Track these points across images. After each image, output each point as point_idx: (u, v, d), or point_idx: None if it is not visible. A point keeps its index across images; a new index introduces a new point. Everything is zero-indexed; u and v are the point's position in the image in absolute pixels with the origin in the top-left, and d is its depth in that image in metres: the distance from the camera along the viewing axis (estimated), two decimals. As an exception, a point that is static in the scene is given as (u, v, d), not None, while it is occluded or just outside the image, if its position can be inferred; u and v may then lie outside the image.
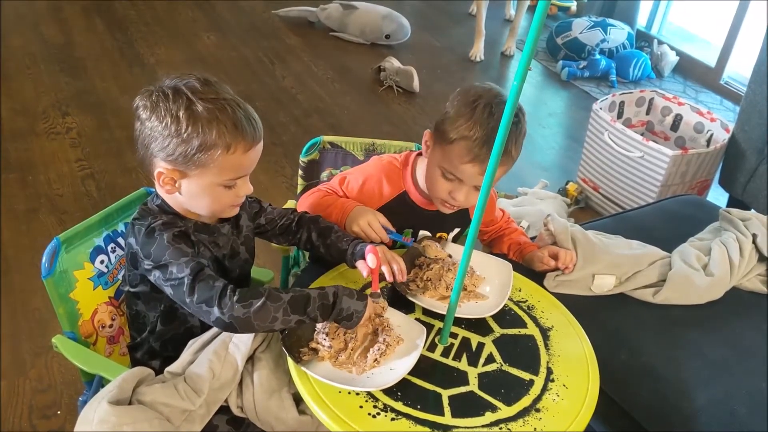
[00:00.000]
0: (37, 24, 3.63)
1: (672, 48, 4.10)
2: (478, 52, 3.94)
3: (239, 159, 1.06)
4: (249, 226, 1.26)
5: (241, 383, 1.15)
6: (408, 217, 1.37)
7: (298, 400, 1.14)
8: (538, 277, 1.44)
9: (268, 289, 1.03)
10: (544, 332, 1.20)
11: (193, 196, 1.10)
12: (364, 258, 1.17)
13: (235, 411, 1.15)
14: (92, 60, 3.36)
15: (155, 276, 1.07)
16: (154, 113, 1.04)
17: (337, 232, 1.26)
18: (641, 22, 4.36)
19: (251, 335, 1.14)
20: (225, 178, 1.07)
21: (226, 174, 1.07)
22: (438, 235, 1.42)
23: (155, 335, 1.20)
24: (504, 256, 1.47)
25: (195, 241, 1.11)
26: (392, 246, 1.32)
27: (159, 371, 1.15)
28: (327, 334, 1.08)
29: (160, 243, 1.06)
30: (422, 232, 1.40)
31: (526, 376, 1.10)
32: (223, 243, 1.18)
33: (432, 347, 1.13)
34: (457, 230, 1.44)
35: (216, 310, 1.00)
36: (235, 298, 1.00)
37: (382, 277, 1.18)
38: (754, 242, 1.61)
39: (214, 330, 1.17)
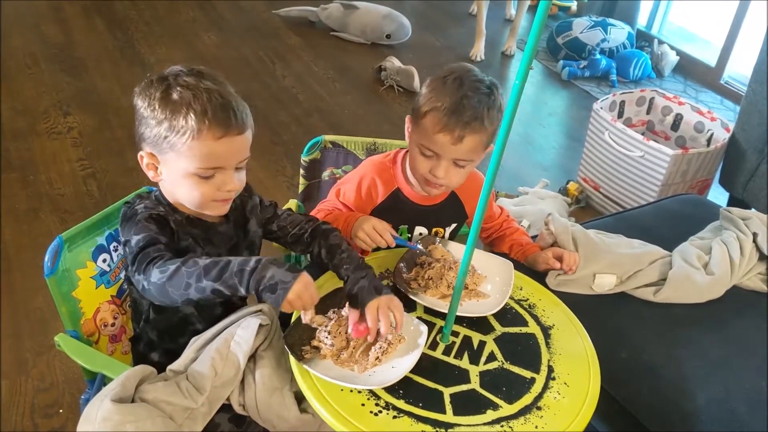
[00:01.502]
0: (38, 24, 3.63)
1: (672, 48, 4.10)
2: (478, 51, 3.94)
3: (210, 146, 1.05)
4: (257, 231, 1.26)
5: (243, 381, 1.16)
6: (403, 213, 1.38)
7: (299, 398, 1.15)
8: (539, 275, 1.44)
9: (189, 256, 1.01)
10: (545, 331, 1.20)
11: (173, 184, 1.11)
12: (357, 306, 1.11)
13: (237, 409, 1.15)
14: (93, 59, 3.36)
15: (123, 254, 1.09)
16: (139, 98, 1.08)
17: (342, 252, 1.20)
18: (641, 21, 4.36)
19: (252, 333, 1.14)
20: (196, 165, 1.06)
21: (198, 161, 1.06)
22: (434, 230, 1.42)
23: (150, 324, 1.21)
24: (506, 257, 1.47)
25: (176, 230, 1.11)
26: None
27: (159, 363, 1.16)
28: (329, 333, 1.08)
29: (132, 223, 1.08)
30: (418, 229, 1.40)
31: (527, 374, 1.10)
32: (219, 242, 1.18)
33: (433, 345, 1.14)
34: (454, 225, 1.44)
35: (141, 278, 1.01)
36: (157, 264, 1.00)
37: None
38: (754, 241, 1.61)
39: (216, 328, 1.17)
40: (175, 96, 1.05)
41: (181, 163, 1.07)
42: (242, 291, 0.98)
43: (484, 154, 1.31)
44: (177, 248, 1.10)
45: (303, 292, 0.98)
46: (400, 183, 1.38)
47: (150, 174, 1.12)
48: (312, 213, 1.40)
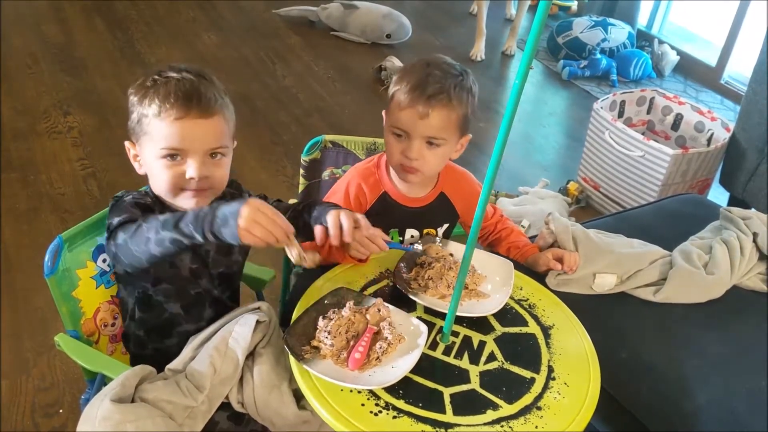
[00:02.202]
0: (38, 24, 3.63)
1: (672, 47, 4.10)
2: (478, 51, 3.94)
3: (170, 126, 1.08)
4: None
5: (241, 379, 1.16)
6: (393, 216, 1.37)
7: (298, 396, 1.15)
8: (539, 275, 1.44)
9: (147, 216, 1.06)
10: (545, 330, 1.20)
11: (149, 170, 1.15)
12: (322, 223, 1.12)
13: (236, 406, 1.15)
14: (93, 59, 3.36)
15: (105, 239, 1.11)
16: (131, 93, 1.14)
17: (320, 205, 1.20)
18: (642, 21, 4.36)
19: (250, 329, 1.14)
20: (159, 146, 1.09)
21: (161, 141, 1.09)
22: (426, 231, 1.42)
23: (136, 323, 1.22)
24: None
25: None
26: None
27: (150, 359, 1.16)
28: (329, 333, 1.08)
29: (118, 208, 1.11)
30: (409, 231, 1.40)
31: (527, 374, 1.10)
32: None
33: (433, 345, 1.14)
34: (446, 226, 1.44)
35: (111, 245, 1.07)
36: (122, 231, 1.05)
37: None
38: (754, 241, 1.61)
39: (214, 326, 1.17)
40: (148, 83, 1.11)
41: (150, 147, 1.11)
42: (198, 237, 0.97)
43: (459, 144, 1.31)
44: None
45: (257, 215, 0.94)
46: (386, 186, 1.37)
47: (135, 165, 1.17)
48: None
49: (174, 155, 1.10)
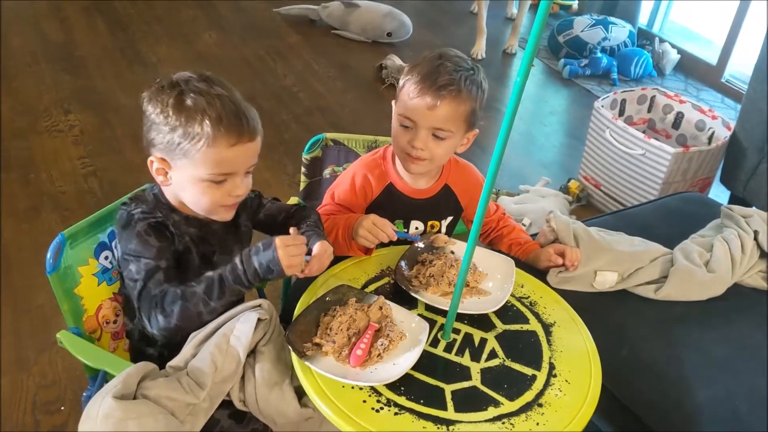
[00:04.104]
0: (38, 23, 3.63)
1: (673, 46, 4.10)
2: (479, 50, 3.94)
3: (223, 153, 1.06)
4: (248, 225, 1.26)
5: (243, 377, 1.16)
6: (398, 207, 1.38)
7: (299, 393, 1.15)
8: (540, 273, 1.44)
9: (183, 289, 1.05)
10: (547, 328, 1.20)
11: (182, 188, 1.11)
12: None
13: (238, 405, 1.15)
14: (93, 59, 3.36)
15: (120, 263, 1.11)
16: (150, 103, 1.08)
17: (310, 220, 1.25)
18: (642, 20, 4.36)
19: (251, 326, 1.14)
20: (209, 171, 1.07)
21: (210, 167, 1.07)
22: (430, 223, 1.42)
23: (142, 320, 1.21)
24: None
25: (175, 233, 1.12)
26: (398, 242, 1.33)
27: (155, 357, 1.16)
28: (331, 330, 1.08)
29: (131, 233, 1.09)
30: (414, 223, 1.40)
31: (528, 371, 1.10)
32: (214, 239, 1.19)
33: (435, 343, 1.14)
34: (450, 218, 1.44)
35: (149, 327, 1.07)
36: (158, 310, 1.04)
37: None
38: (755, 239, 1.61)
39: (215, 323, 1.17)
40: (189, 102, 1.05)
41: (194, 170, 1.07)
42: (247, 289, 1.07)
43: (466, 138, 1.31)
44: (175, 250, 1.12)
45: (290, 253, 1.04)
46: (392, 177, 1.38)
47: (159, 179, 1.12)
48: None
49: (221, 180, 1.09)
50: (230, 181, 1.10)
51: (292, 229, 1.12)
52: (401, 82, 1.28)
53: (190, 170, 1.08)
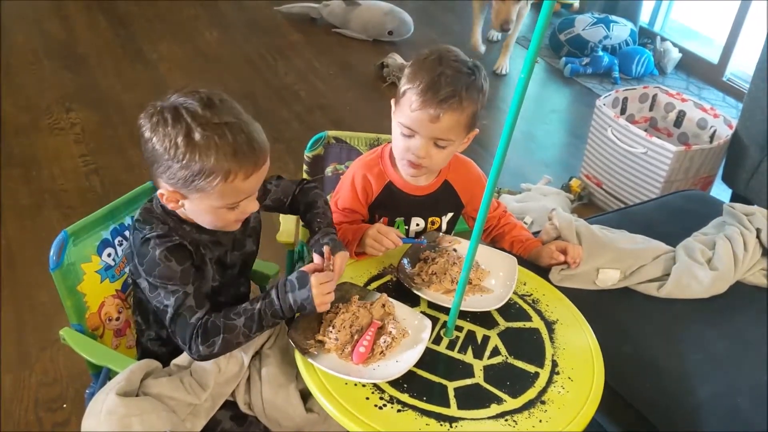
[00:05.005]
0: (40, 20, 3.63)
1: (675, 45, 4.09)
2: (476, 43, 3.88)
3: (240, 185, 1.04)
4: (257, 217, 1.26)
5: (248, 380, 1.16)
6: (398, 205, 1.39)
7: (305, 396, 1.15)
8: (542, 271, 1.44)
9: (223, 322, 1.06)
10: (549, 325, 1.20)
11: (196, 214, 1.11)
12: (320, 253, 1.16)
13: (243, 408, 1.15)
14: (95, 56, 3.36)
15: (145, 286, 1.10)
16: (155, 135, 1.02)
17: (317, 209, 1.27)
18: (644, 18, 4.35)
19: None
20: (227, 202, 1.06)
21: (228, 198, 1.06)
22: (431, 220, 1.42)
23: (159, 324, 1.21)
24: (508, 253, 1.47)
25: (194, 247, 1.11)
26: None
27: (166, 356, 1.16)
28: (333, 327, 1.08)
29: (152, 257, 1.07)
30: (415, 220, 1.41)
31: (531, 368, 1.10)
32: (225, 240, 1.18)
33: (437, 340, 1.14)
34: (450, 214, 1.45)
35: (188, 351, 1.07)
36: (199, 340, 1.05)
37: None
38: (758, 237, 1.61)
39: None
40: (198, 138, 1.00)
41: (209, 201, 1.06)
42: (282, 320, 1.10)
43: (467, 138, 1.31)
44: (195, 263, 1.12)
45: (323, 291, 1.07)
46: (391, 176, 1.38)
47: (170, 206, 1.10)
48: None
49: (235, 207, 1.09)
50: (244, 202, 1.09)
51: (318, 258, 1.13)
52: (401, 88, 1.26)
53: (206, 202, 1.06)
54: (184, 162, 1.01)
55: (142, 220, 1.12)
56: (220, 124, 1.01)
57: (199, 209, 1.08)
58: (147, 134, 1.04)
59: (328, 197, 1.62)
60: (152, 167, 1.06)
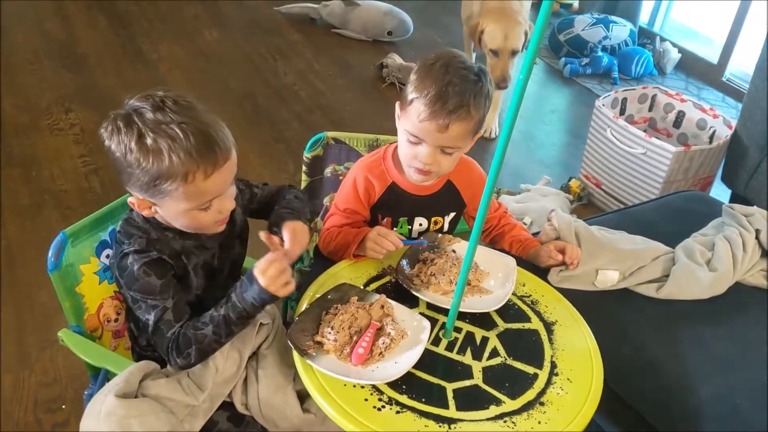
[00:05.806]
0: (40, 20, 3.63)
1: (674, 45, 4.09)
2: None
3: (202, 185, 1.02)
4: (243, 219, 1.26)
5: (246, 380, 1.16)
6: (402, 205, 1.39)
7: (302, 398, 1.15)
8: (541, 272, 1.44)
9: (193, 333, 1.07)
10: (548, 326, 1.20)
11: (172, 218, 1.10)
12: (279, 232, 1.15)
13: (240, 408, 1.15)
14: (95, 56, 3.36)
15: (128, 298, 1.11)
16: (112, 143, 1.02)
17: (283, 201, 1.26)
18: (643, 19, 4.35)
19: (253, 330, 1.15)
20: (195, 203, 1.05)
21: (195, 200, 1.05)
22: (433, 219, 1.42)
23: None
24: (507, 253, 1.47)
25: (174, 258, 1.11)
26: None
27: (162, 363, 1.16)
28: (332, 328, 1.08)
29: (131, 272, 1.08)
30: (418, 220, 1.41)
31: (530, 370, 1.10)
32: (211, 243, 1.18)
33: (436, 341, 1.14)
34: (452, 214, 1.45)
35: (169, 363, 1.10)
36: (175, 353, 1.07)
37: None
38: (757, 237, 1.61)
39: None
40: (150, 142, 0.98)
41: (176, 205, 1.05)
42: (252, 318, 1.10)
43: (472, 142, 1.31)
44: (177, 274, 1.12)
45: (272, 276, 1.04)
46: (394, 177, 1.38)
47: (144, 212, 1.09)
48: (323, 235, 1.40)
49: (208, 206, 1.07)
50: (217, 202, 1.08)
51: (261, 234, 1.12)
52: (408, 96, 1.25)
53: (174, 206, 1.05)
54: (142, 168, 1.00)
55: (122, 233, 1.12)
56: (170, 126, 0.99)
57: (172, 213, 1.08)
58: (106, 143, 1.04)
59: (326, 199, 1.63)
60: (120, 177, 1.06)
